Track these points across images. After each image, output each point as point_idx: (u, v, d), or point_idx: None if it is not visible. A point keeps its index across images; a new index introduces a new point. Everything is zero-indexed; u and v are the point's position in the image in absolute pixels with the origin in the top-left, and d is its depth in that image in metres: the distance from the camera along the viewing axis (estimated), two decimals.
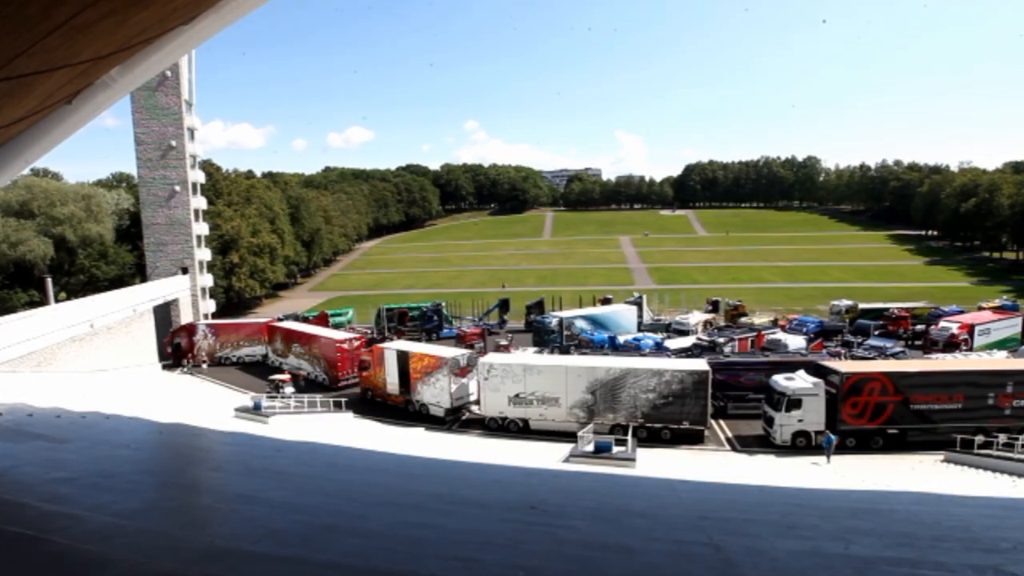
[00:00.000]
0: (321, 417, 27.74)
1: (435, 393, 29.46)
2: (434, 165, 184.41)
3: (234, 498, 7.71)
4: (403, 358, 30.80)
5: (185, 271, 45.39)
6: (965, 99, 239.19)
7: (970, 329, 38.47)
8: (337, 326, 48.57)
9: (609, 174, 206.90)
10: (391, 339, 40.37)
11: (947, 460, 22.84)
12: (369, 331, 47.31)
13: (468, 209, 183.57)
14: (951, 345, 37.32)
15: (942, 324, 39.79)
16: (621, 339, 40.48)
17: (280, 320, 45.84)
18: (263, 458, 13.11)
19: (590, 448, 21.18)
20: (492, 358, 29.89)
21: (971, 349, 36.93)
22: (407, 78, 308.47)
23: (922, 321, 44.01)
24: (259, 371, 38.84)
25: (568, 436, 24.19)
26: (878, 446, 24.60)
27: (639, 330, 45.78)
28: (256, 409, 25.99)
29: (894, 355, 35.46)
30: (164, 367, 40.05)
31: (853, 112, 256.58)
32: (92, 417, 15.70)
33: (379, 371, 31.97)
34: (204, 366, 39.98)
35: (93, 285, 58.50)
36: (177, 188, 44.37)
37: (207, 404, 30.10)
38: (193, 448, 14.18)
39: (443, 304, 52.26)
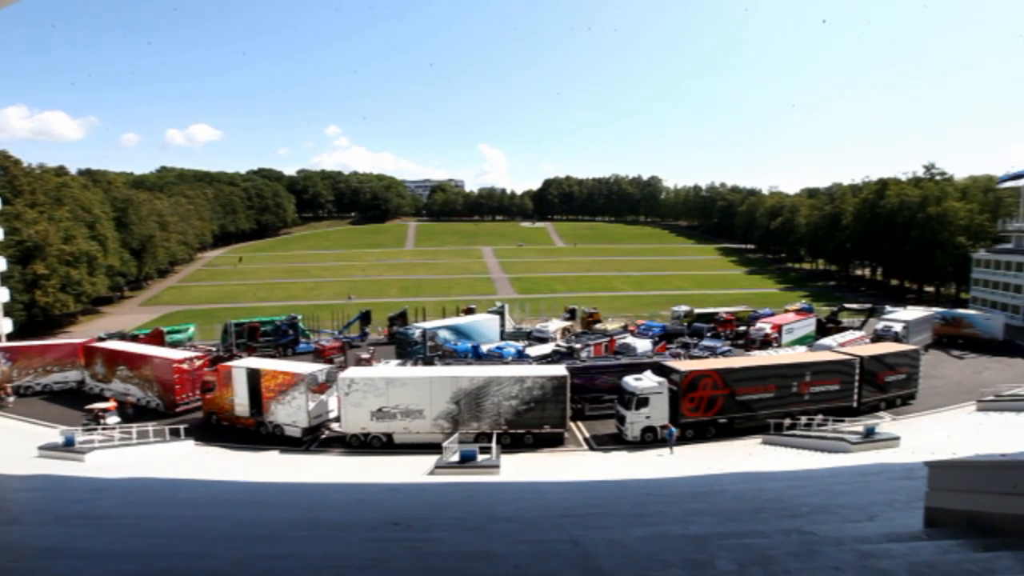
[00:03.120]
0: (155, 448, 24.52)
1: (291, 412, 27.62)
2: (290, 170, 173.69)
3: (36, 554, 6.51)
4: (254, 376, 28.49)
5: None
6: (774, 129, 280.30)
7: (779, 329, 44.98)
8: (175, 344, 43.93)
9: (472, 186, 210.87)
10: (240, 356, 37.18)
11: (765, 442, 26.42)
12: (214, 348, 43.12)
13: (327, 217, 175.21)
14: (765, 343, 43.30)
15: (758, 325, 46.08)
16: (484, 348, 41.16)
17: (102, 339, 39.90)
18: (77, 502, 11.28)
19: (455, 458, 21.23)
20: (353, 372, 28.83)
21: (780, 346, 43.11)
22: (263, 77, 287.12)
23: (743, 323, 50.50)
24: (73, 400, 33.48)
25: (433, 448, 24.01)
26: (711, 435, 27.69)
27: (502, 339, 46.90)
28: (68, 445, 22.27)
29: (723, 354, 40.18)
30: None
31: (690, 136, 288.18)
32: None
33: (226, 392, 29.20)
34: (9, 400, 33.33)
35: None
36: None
37: None
38: None
39: (299, 317, 49.26)
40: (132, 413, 30.70)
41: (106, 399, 31.94)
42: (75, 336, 51.86)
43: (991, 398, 30.44)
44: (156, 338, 43.90)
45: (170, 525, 8.67)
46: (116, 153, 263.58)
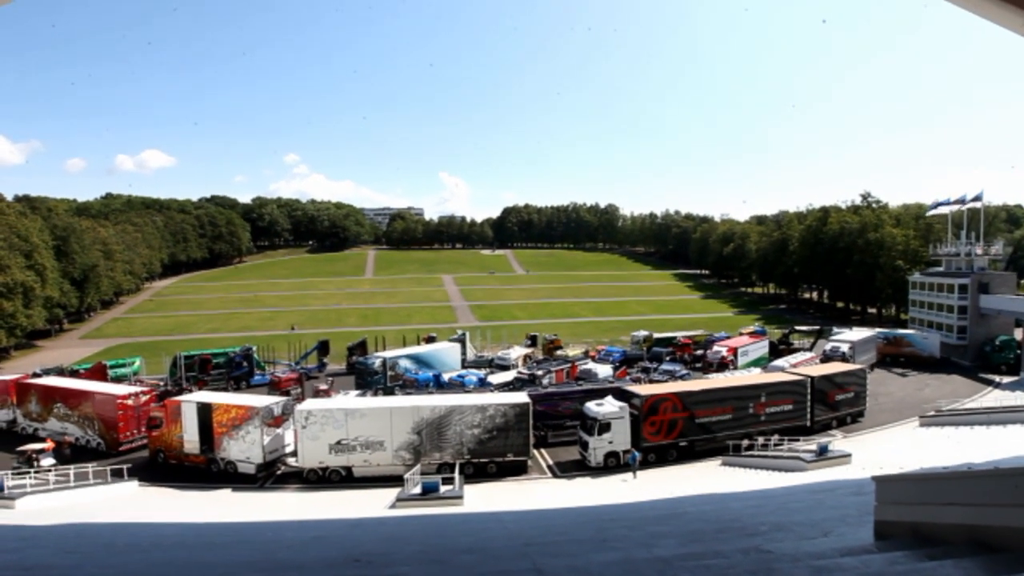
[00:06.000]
0: (94, 491, 23.08)
1: (244, 448, 26.52)
2: (245, 198, 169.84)
3: None
4: (205, 411, 27.32)
5: None
6: (723, 160, 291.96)
7: (735, 351, 46.20)
8: (120, 379, 41.80)
9: (432, 214, 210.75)
10: (190, 390, 35.65)
11: (724, 463, 26.86)
12: (162, 383, 41.25)
13: (284, 246, 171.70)
14: (722, 366, 44.34)
15: (715, 348, 47.23)
16: (446, 377, 40.74)
17: (37, 375, 37.58)
18: (4, 553, 10.46)
19: (417, 490, 20.80)
20: (310, 404, 28.00)
21: (736, 368, 44.22)
22: (217, 101, 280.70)
23: (701, 346, 51.64)
24: (2, 442, 31.26)
25: (395, 480, 23.46)
26: (673, 458, 27.96)
27: (463, 367, 46.55)
28: None
29: (681, 377, 40.87)
30: None
31: (645, 166, 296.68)
32: None
33: (174, 428, 27.85)
34: None
35: None
36: None
37: None
38: None
39: (254, 348, 47.72)
40: (70, 454, 28.84)
41: (41, 439, 29.97)
42: (7, 372, 48.65)
43: (932, 413, 31.96)
44: (98, 373, 41.72)
45: (110, 573, 8.15)
46: (61, 179, 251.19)
